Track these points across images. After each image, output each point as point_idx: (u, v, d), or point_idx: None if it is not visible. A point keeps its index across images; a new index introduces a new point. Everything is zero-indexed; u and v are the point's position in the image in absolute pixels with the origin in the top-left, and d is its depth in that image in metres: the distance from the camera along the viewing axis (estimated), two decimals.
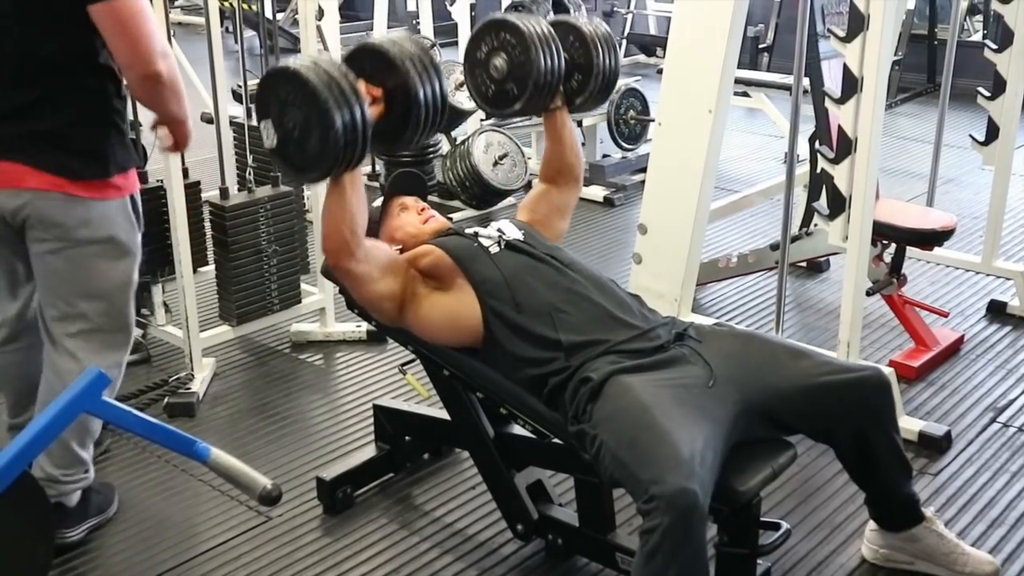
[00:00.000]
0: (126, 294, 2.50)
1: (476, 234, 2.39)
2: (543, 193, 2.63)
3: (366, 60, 2.13)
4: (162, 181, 3.22)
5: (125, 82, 2.34)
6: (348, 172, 2.10)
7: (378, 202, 2.56)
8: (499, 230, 2.40)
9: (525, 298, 2.24)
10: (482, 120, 5.32)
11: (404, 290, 2.30)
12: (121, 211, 2.42)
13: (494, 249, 2.34)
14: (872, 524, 2.39)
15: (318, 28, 3.44)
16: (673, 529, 1.77)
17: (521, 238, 2.39)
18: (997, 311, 3.84)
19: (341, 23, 4.40)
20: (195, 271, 3.35)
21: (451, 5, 5.96)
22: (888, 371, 2.86)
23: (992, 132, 3.87)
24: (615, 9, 9.05)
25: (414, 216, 2.53)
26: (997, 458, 2.91)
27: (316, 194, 3.62)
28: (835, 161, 2.94)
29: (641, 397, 1.99)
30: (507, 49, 2.41)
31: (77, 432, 2.45)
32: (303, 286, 3.62)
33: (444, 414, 2.59)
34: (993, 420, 3.11)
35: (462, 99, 4.58)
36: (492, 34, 2.44)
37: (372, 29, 6.76)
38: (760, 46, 7.66)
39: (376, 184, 5.27)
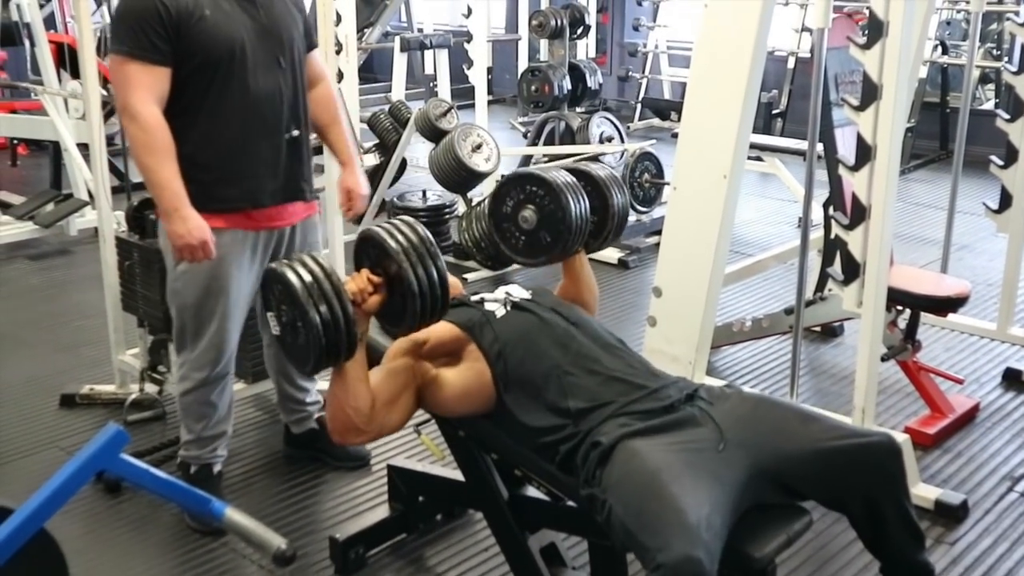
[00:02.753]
0: None
1: (482, 300, 2.41)
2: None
3: (370, 248, 2.20)
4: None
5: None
6: (344, 362, 2.14)
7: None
8: (507, 293, 2.43)
9: (533, 360, 2.25)
10: (498, 182, 5.37)
11: (416, 390, 2.30)
12: None
13: (500, 312, 2.36)
14: None
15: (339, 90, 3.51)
16: None
17: (528, 297, 2.41)
18: (1013, 379, 3.82)
19: (360, 85, 4.48)
20: None
21: (468, 69, 6.06)
22: (903, 438, 2.86)
23: (1005, 200, 3.89)
24: (630, 74, 9.17)
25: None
26: (1015, 528, 2.88)
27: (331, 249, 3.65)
28: (849, 227, 2.96)
29: (649, 462, 1.99)
30: (535, 201, 2.51)
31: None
32: None
33: (458, 475, 2.58)
34: (1010, 489, 3.08)
35: (479, 161, 4.64)
36: (518, 188, 2.54)
37: (391, 91, 6.87)
38: (773, 112, 7.75)
39: None
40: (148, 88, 2.55)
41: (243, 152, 2.68)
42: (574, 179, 2.51)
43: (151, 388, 3.52)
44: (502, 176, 5.61)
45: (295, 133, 2.78)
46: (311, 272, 2.07)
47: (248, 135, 2.68)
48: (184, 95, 2.61)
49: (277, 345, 2.25)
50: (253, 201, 2.73)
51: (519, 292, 2.43)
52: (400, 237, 2.14)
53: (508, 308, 2.37)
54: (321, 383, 3.38)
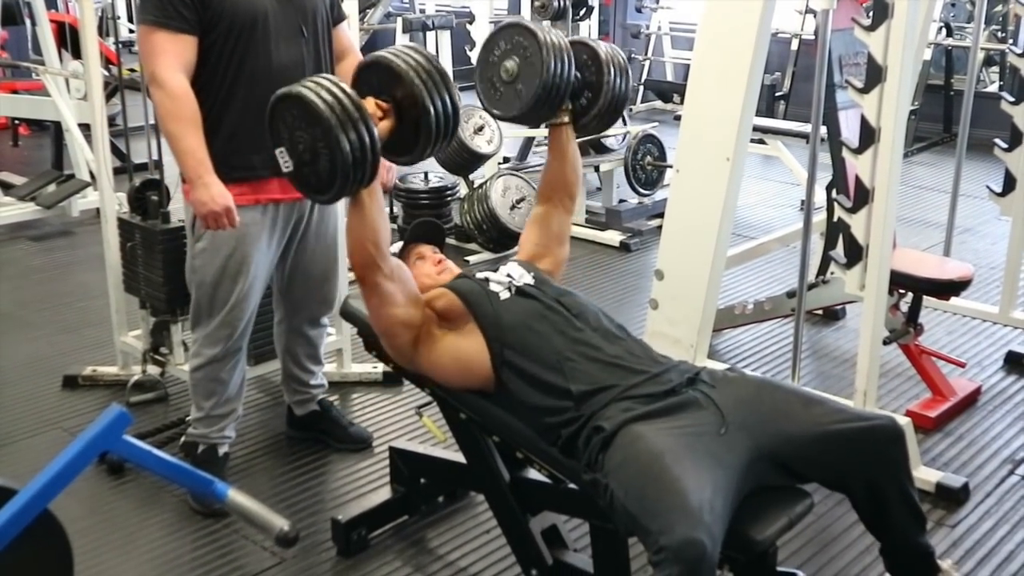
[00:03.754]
0: None
1: (487, 279, 2.41)
2: (541, 220, 2.64)
3: (374, 75, 2.15)
4: (183, 221, 3.26)
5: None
6: (365, 188, 2.13)
7: (395, 247, 2.59)
8: (508, 275, 2.42)
9: (534, 346, 2.26)
10: (500, 164, 5.37)
11: (421, 325, 2.32)
12: None
13: (504, 295, 2.36)
14: None
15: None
16: None
17: (531, 283, 2.41)
18: (1015, 362, 3.82)
19: None
20: None
21: (471, 50, 6.04)
22: (905, 421, 2.86)
23: (1009, 183, 3.89)
24: (633, 55, 9.13)
25: (430, 267, 2.55)
26: (1016, 511, 2.89)
27: None
28: (852, 210, 2.95)
29: (651, 446, 1.99)
30: (519, 52, 2.44)
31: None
32: None
33: (460, 457, 2.59)
34: (1011, 472, 3.09)
35: (481, 143, 4.64)
36: (507, 37, 2.48)
37: None
38: (776, 94, 7.72)
39: (394, 227, 5.30)
40: (175, 56, 2.59)
41: (265, 120, 2.68)
42: (566, 43, 2.45)
43: (153, 370, 3.53)
44: (505, 158, 5.60)
45: None
46: (329, 91, 2.01)
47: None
48: (207, 63, 2.65)
49: (291, 181, 2.20)
50: (276, 169, 2.70)
51: (522, 276, 2.43)
52: (408, 59, 2.10)
53: (512, 292, 2.37)
54: (328, 366, 3.40)
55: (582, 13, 6.61)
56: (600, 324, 2.34)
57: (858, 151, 2.90)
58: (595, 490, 2.07)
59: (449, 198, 5.19)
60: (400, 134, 2.14)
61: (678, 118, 3.60)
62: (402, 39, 6.83)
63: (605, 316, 2.39)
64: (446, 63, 6.66)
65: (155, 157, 3.44)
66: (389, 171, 3.00)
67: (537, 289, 2.38)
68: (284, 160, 2.13)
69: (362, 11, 7.37)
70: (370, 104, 2.11)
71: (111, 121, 5.08)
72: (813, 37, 5.39)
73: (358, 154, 2.01)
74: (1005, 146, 3.85)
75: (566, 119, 2.55)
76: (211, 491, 2.08)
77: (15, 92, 6.77)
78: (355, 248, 2.22)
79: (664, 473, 1.91)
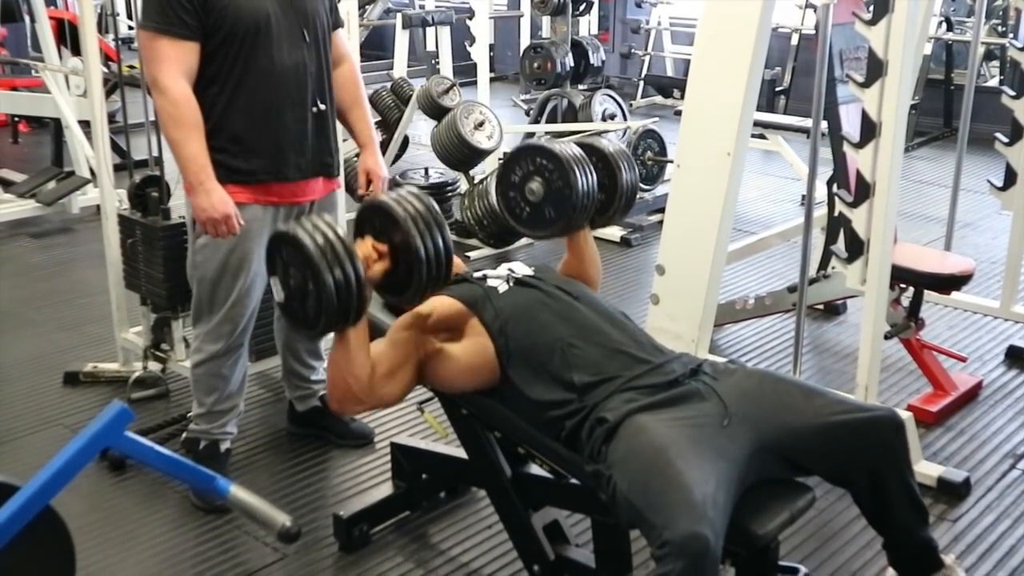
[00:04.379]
0: None
1: (484, 277, 2.42)
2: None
3: (375, 217, 2.21)
4: (184, 218, 3.25)
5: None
6: (351, 327, 2.15)
7: None
8: (509, 269, 2.43)
9: (537, 333, 2.26)
10: (500, 160, 5.36)
11: (418, 364, 2.31)
12: None
13: (502, 288, 2.36)
14: (890, 571, 2.36)
15: None
16: (685, 575, 1.76)
17: (531, 273, 2.41)
18: (1016, 357, 3.82)
19: (363, 62, 4.46)
20: None
21: (470, 46, 6.03)
22: (906, 415, 2.86)
23: (1010, 177, 3.88)
24: (633, 50, 9.13)
25: None
26: (1017, 505, 2.89)
27: None
28: (853, 205, 2.95)
29: (655, 438, 1.99)
30: (542, 173, 2.50)
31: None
32: None
33: (461, 453, 2.59)
34: (1013, 467, 3.09)
35: (481, 139, 4.63)
36: (527, 159, 2.53)
37: (392, 68, 6.84)
38: (777, 89, 7.71)
39: None
40: (177, 62, 2.59)
41: (268, 125, 2.70)
42: (583, 154, 2.50)
43: (154, 366, 3.53)
44: (504, 153, 5.60)
45: (321, 107, 2.80)
46: (323, 234, 2.07)
47: (273, 108, 2.70)
48: (210, 68, 2.65)
49: (280, 311, 2.25)
50: (277, 174, 2.75)
51: (522, 269, 2.44)
52: (407, 206, 2.15)
53: (511, 284, 2.37)
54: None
55: (582, 8, 6.61)
56: (603, 309, 2.34)
57: (859, 145, 2.90)
58: (598, 482, 2.07)
59: (450, 194, 5.19)
60: (394, 275, 2.20)
61: (678, 113, 3.60)
62: (402, 35, 6.84)
63: (608, 303, 2.39)
64: (446, 59, 6.68)
65: (155, 154, 3.44)
66: (381, 180, 3.02)
67: (537, 279, 2.39)
68: (277, 290, 2.19)
69: (362, 7, 7.37)
70: (367, 246, 2.17)
71: (111, 118, 5.08)
72: (813, 32, 5.39)
73: (344, 295, 2.06)
74: (1006, 140, 3.85)
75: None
76: (213, 487, 2.08)
77: (15, 89, 6.77)
78: (335, 380, 2.22)
79: (668, 466, 1.91)
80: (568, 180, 2.44)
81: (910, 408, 3.29)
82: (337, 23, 2.96)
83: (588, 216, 2.54)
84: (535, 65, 6.18)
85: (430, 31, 8.48)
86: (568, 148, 2.48)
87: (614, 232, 5.32)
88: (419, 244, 2.13)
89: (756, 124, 4.98)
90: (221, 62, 2.65)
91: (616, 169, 2.57)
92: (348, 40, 3.14)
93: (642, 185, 5.57)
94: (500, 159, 5.37)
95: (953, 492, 2.92)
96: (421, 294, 2.21)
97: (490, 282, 2.39)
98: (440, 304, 2.35)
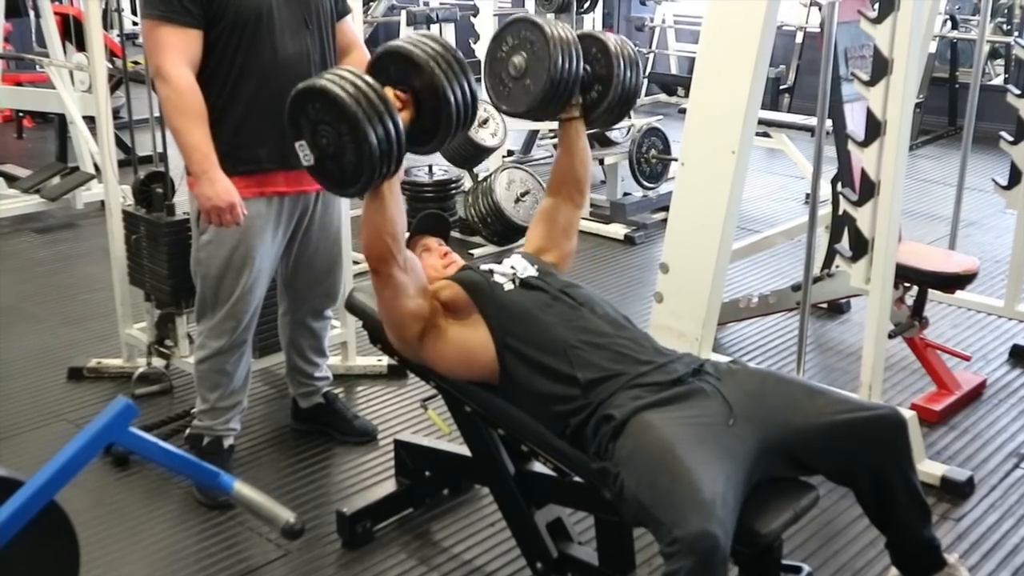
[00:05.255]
0: None
1: (491, 271, 2.42)
2: (549, 213, 2.65)
3: (391, 65, 2.13)
4: (188, 214, 3.26)
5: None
6: (386, 180, 2.13)
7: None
8: (512, 267, 2.43)
9: (540, 335, 2.26)
10: (504, 157, 5.36)
11: (429, 316, 2.33)
12: None
13: (508, 287, 2.36)
14: (894, 571, 2.36)
15: None
16: (695, 573, 1.76)
17: (535, 275, 2.41)
18: (1020, 356, 3.82)
19: None
20: None
21: (475, 43, 6.03)
22: (910, 414, 2.86)
23: (1015, 176, 3.87)
24: (637, 48, 9.10)
25: (436, 259, 2.55)
26: (1021, 504, 2.89)
27: None
28: (858, 203, 2.95)
29: (663, 436, 1.99)
30: (527, 47, 2.43)
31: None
32: None
33: (465, 450, 2.59)
34: (1016, 466, 3.09)
35: (485, 136, 4.63)
36: (514, 32, 2.46)
37: None
38: (781, 87, 7.70)
39: None
40: (180, 51, 2.59)
41: (272, 113, 2.68)
42: (574, 37, 2.44)
43: (158, 362, 3.53)
44: (509, 151, 5.59)
45: None
46: (353, 84, 2.00)
47: (276, 96, 2.67)
48: (213, 57, 2.65)
49: (312, 175, 2.17)
50: (282, 162, 2.73)
51: (525, 268, 2.43)
52: (427, 48, 2.10)
53: (516, 284, 2.37)
54: (333, 359, 3.40)
55: (586, 6, 6.59)
56: (606, 313, 2.34)
57: (864, 144, 2.90)
58: (604, 479, 2.07)
59: (453, 191, 5.19)
60: (419, 124, 2.13)
61: (683, 111, 3.59)
62: (406, 32, 6.83)
63: (611, 307, 2.39)
64: None
65: (159, 149, 3.44)
66: None
67: (541, 280, 2.39)
68: (304, 153, 2.11)
69: (366, 4, 7.36)
70: (389, 95, 2.09)
71: (115, 113, 5.09)
72: (818, 30, 5.39)
73: (385, 147, 2.00)
74: (1011, 139, 3.84)
75: (576, 113, 2.55)
76: (217, 483, 2.08)
77: (19, 84, 6.77)
78: (372, 240, 2.21)
79: (676, 464, 1.91)
80: (549, 52, 2.37)
81: (914, 407, 3.29)
82: (345, 10, 2.94)
83: (567, 96, 2.47)
84: None
85: (435, 28, 8.47)
86: (558, 27, 2.42)
87: (618, 230, 5.32)
88: (445, 86, 2.07)
89: (760, 122, 4.98)
90: (224, 51, 2.66)
91: (615, 62, 2.49)
92: (358, 28, 3.13)
93: (646, 183, 5.57)
94: (504, 157, 5.37)
95: (956, 491, 2.92)
96: (450, 139, 2.17)
97: (496, 278, 2.39)
98: (448, 287, 2.38)
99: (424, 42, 2.13)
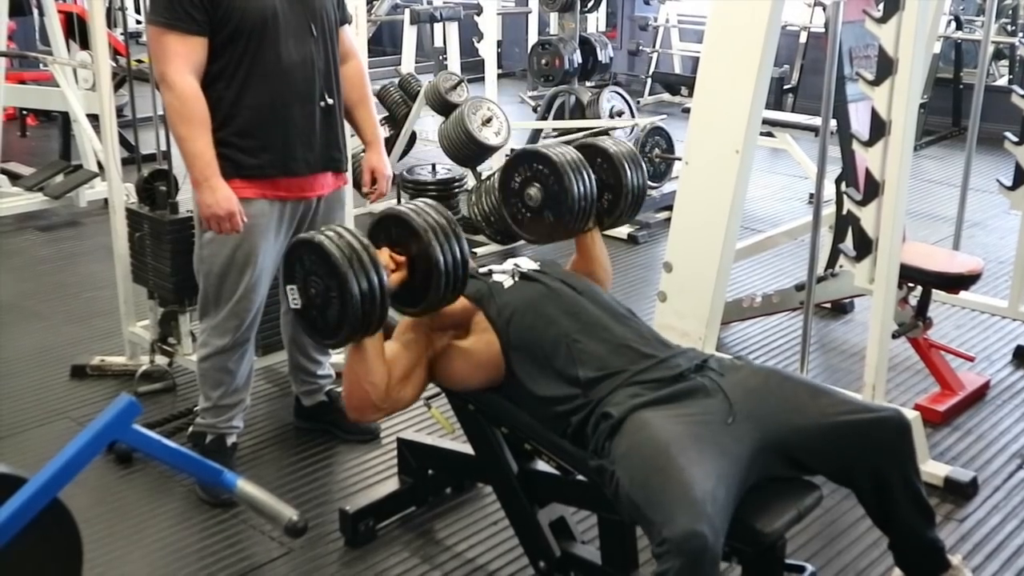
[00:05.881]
0: None
1: (490, 272, 2.42)
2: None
3: (393, 227, 2.21)
4: (191, 212, 3.26)
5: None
6: (369, 336, 2.16)
7: None
8: (515, 264, 2.43)
9: (541, 328, 2.26)
10: (508, 156, 5.35)
11: (428, 363, 2.33)
12: None
13: (508, 283, 2.37)
14: (897, 572, 2.36)
15: None
16: (684, 573, 1.77)
17: (536, 268, 2.41)
18: (1023, 357, 3.81)
19: (370, 58, 4.46)
20: None
21: (478, 42, 6.03)
22: (913, 415, 2.86)
23: (1019, 177, 3.86)
24: (641, 47, 9.11)
25: None
26: None
27: None
28: (862, 203, 2.94)
29: (658, 434, 1.99)
30: (540, 179, 2.50)
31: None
32: None
33: (468, 449, 2.59)
34: (1020, 467, 3.08)
35: (489, 135, 4.63)
36: (524, 165, 2.54)
37: (400, 64, 6.84)
38: (785, 87, 7.69)
39: None
40: (184, 58, 2.59)
41: (276, 119, 2.70)
42: (580, 157, 2.49)
43: (161, 360, 3.53)
44: (512, 150, 5.59)
45: (329, 102, 2.80)
46: (348, 243, 2.07)
47: (281, 102, 2.70)
48: (218, 63, 2.65)
49: (295, 319, 2.25)
50: (285, 169, 2.74)
51: (527, 264, 2.44)
52: (427, 217, 2.16)
53: (516, 279, 2.37)
54: (335, 356, 3.40)
55: (590, 5, 6.59)
56: (608, 304, 2.34)
57: (868, 144, 2.90)
58: (601, 477, 2.07)
59: (457, 190, 5.18)
60: (410, 285, 2.20)
61: (686, 111, 3.59)
62: (410, 30, 6.84)
63: (612, 298, 2.39)
64: (453, 55, 6.67)
65: (163, 148, 3.43)
66: (386, 178, 3.04)
67: (542, 273, 2.39)
68: (293, 297, 2.18)
69: (369, 2, 7.36)
70: (384, 255, 2.17)
71: (119, 112, 5.08)
72: (822, 30, 5.38)
73: (368, 305, 2.07)
74: (1015, 139, 3.83)
75: (591, 225, 2.59)
76: (220, 481, 2.08)
77: (23, 82, 6.77)
78: (353, 390, 2.23)
79: (669, 463, 1.91)
80: (563, 184, 2.44)
81: (917, 407, 3.28)
82: (345, 19, 2.95)
83: (586, 220, 2.54)
84: (543, 61, 6.17)
85: (438, 27, 8.47)
86: (565, 152, 2.48)
87: (621, 229, 5.31)
88: (439, 256, 2.13)
89: (764, 122, 4.98)
90: (228, 57, 2.66)
91: (621, 170, 2.56)
92: (356, 37, 3.14)
93: (650, 183, 5.55)
94: (507, 155, 5.37)
95: (960, 492, 2.91)
96: (437, 304, 2.22)
97: (495, 277, 2.39)
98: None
99: (425, 210, 2.20)
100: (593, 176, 2.51)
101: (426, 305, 2.22)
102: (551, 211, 2.51)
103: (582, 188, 2.46)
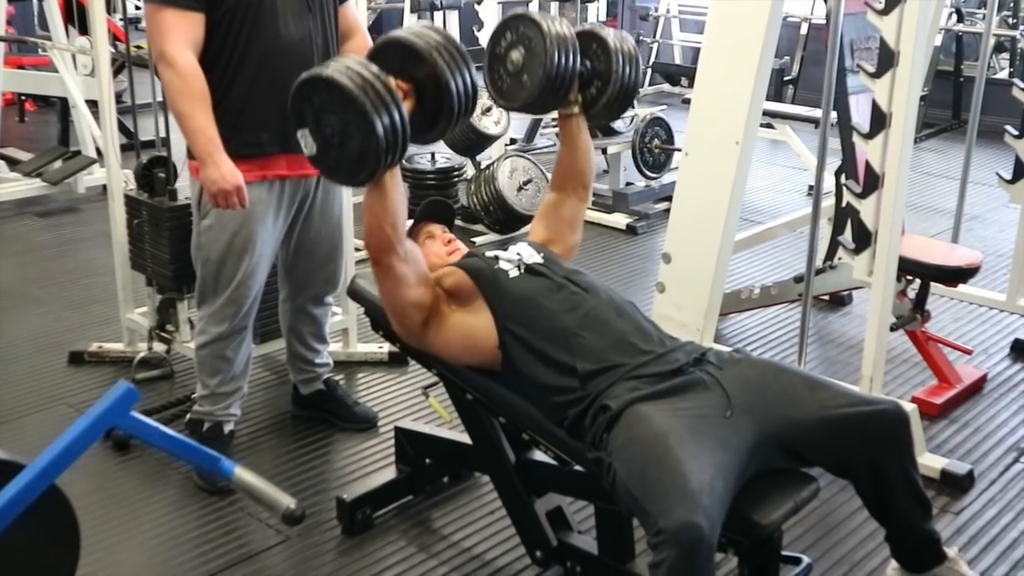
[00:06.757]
0: None
1: (496, 258, 2.42)
2: (554, 206, 2.64)
3: (393, 55, 2.13)
4: (190, 199, 3.25)
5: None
6: (389, 170, 2.13)
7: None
8: (518, 254, 2.43)
9: (542, 322, 2.26)
10: (507, 146, 5.35)
11: (431, 304, 2.33)
12: None
13: (513, 273, 2.36)
14: (893, 563, 2.36)
15: None
16: (679, 564, 1.77)
17: (540, 261, 2.41)
18: (1021, 350, 3.81)
19: None
20: None
21: (479, 31, 6.01)
22: (910, 407, 2.86)
23: (1019, 170, 3.87)
24: (641, 38, 9.08)
25: (440, 246, 2.55)
26: (1021, 498, 2.89)
27: None
28: (862, 196, 2.94)
29: (655, 427, 1.99)
30: (525, 43, 2.43)
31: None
32: None
33: (466, 438, 2.59)
34: (1016, 460, 3.09)
35: (488, 124, 4.62)
36: (513, 28, 2.47)
37: None
38: (785, 78, 7.68)
39: None
40: (183, 34, 2.59)
41: (274, 97, 2.67)
42: (571, 34, 2.43)
43: (159, 347, 3.53)
44: (511, 140, 5.58)
45: None
46: (359, 73, 2.00)
47: (279, 80, 2.67)
48: (215, 40, 2.64)
49: (313, 164, 2.17)
50: (284, 145, 2.72)
51: (531, 255, 2.43)
52: (428, 39, 2.10)
53: (521, 270, 2.37)
54: (333, 345, 3.40)
55: None
56: (610, 299, 2.34)
57: (868, 136, 2.89)
58: (598, 469, 2.07)
59: (456, 179, 5.18)
60: (420, 113, 2.13)
61: (686, 101, 3.58)
62: (410, 19, 6.82)
63: (615, 293, 2.39)
64: None
65: (162, 134, 3.43)
66: None
67: (546, 267, 2.39)
68: (306, 142, 2.10)
69: None
70: (394, 85, 2.09)
71: (118, 98, 5.07)
72: (823, 21, 5.37)
73: (391, 137, 2.00)
74: (1016, 133, 3.83)
75: (576, 109, 2.54)
76: (218, 468, 2.08)
77: (22, 68, 6.75)
78: (373, 230, 2.20)
79: (666, 455, 1.91)
80: (546, 49, 2.37)
81: (914, 400, 3.29)
82: None
83: (563, 92, 2.47)
84: None
85: (438, 15, 8.44)
86: (557, 24, 2.41)
87: (620, 220, 5.32)
88: (448, 76, 2.07)
89: (764, 113, 4.97)
90: (226, 34, 2.65)
91: (614, 59, 2.48)
92: (359, 13, 3.12)
93: (649, 174, 5.56)
94: (507, 145, 5.36)
95: (956, 485, 2.92)
96: (451, 129, 2.18)
97: (501, 264, 2.39)
98: (452, 274, 2.38)
99: (426, 33, 2.13)
100: (579, 52, 2.43)
101: (440, 130, 2.15)
102: (529, 77, 2.43)
103: (563, 59, 2.38)
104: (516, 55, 2.45)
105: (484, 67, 2.55)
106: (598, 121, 2.67)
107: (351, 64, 2.03)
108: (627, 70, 2.50)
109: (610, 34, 2.53)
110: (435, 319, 2.34)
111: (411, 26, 2.16)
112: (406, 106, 2.08)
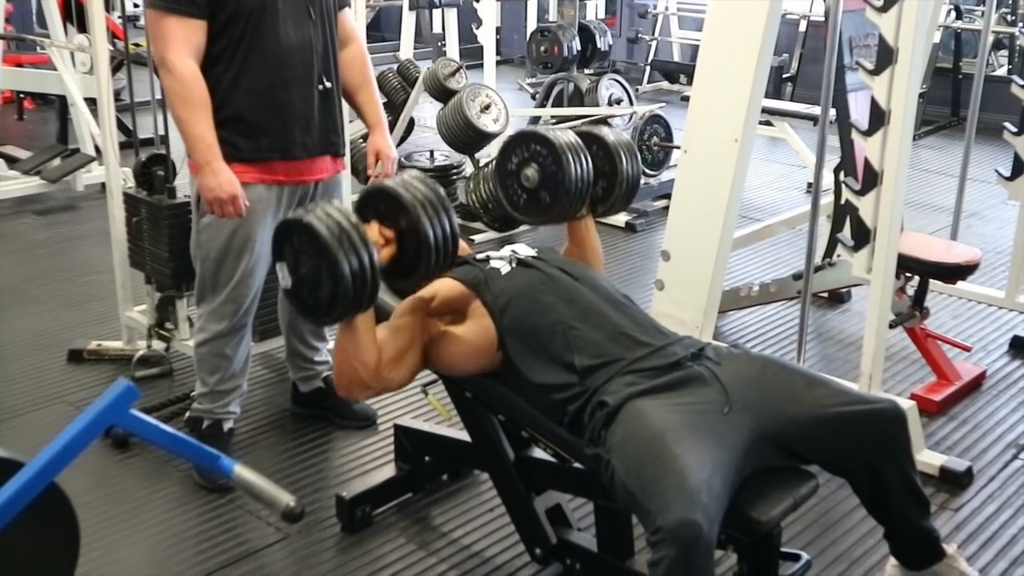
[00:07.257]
0: None
1: (487, 258, 2.42)
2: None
3: (380, 202, 2.20)
4: (189, 197, 3.25)
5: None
6: (360, 314, 2.15)
7: None
8: (512, 251, 2.43)
9: (538, 315, 2.26)
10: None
11: (423, 348, 2.33)
12: None
13: (505, 269, 2.37)
14: (892, 560, 2.37)
15: None
16: (678, 562, 1.77)
17: (533, 254, 2.41)
18: (1020, 347, 3.82)
19: (368, 44, 4.45)
20: None
21: (477, 28, 6.01)
22: (909, 404, 2.87)
23: (1018, 167, 3.86)
24: (640, 35, 9.09)
25: None
26: (1019, 495, 2.89)
27: None
28: (861, 193, 2.94)
29: (653, 423, 1.99)
30: (538, 160, 2.49)
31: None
32: None
33: (465, 435, 2.59)
34: (1015, 456, 3.09)
35: (487, 122, 4.62)
36: (522, 146, 2.52)
37: (399, 50, 6.82)
38: (783, 76, 7.68)
39: None
40: (184, 41, 2.59)
41: (274, 103, 2.70)
42: (579, 141, 2.49)
43: (158, 345, 3.53)
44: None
45: (327, 85, 2.80)
46: (337, 222, 2.06)
47: (279, 86, 2.70)
48: (216, 46, 2.65)
49: (286, 298, 2.25)
50: (284, 152, 2.74)
51: (525, 251, 2.44)
52: (415, 191, 2.15)
53: (513, 265, 2.37)
54: (332, 343, 3.39)
55: None
56: (606, 291, 2.34)
57: (867, 133, 2.89)
58: (597, 465, 2.07)
59: (455, 177, 5.18)
60: (400, 260, 2.19)
61: (685, 99, 3.58)
62: (408, 16, 6.81)
63: (610, 285, 2.39)
64: (452, 41, 6.65)
65: (161, 132, 3.42)
66: (391, 160, 3.02)
67: (539, 260, 2.39)
68: (283, 275, 2.17)
69: None
70: (374, 230, 2.15)
71: (116, 96, 5.06)
72: (822, 18, 5.38)
73: (360, 288, 2.06)
74: (1015, 130, 3.83)
75: (584, 211, 2.58)
76: (217, 466, 2.08)
77: (20, 65, 6.75)
78: (343, 369, 2.23)
79: (664, 452, 1.91)
80: (561, 164, 2.43)
81: (913, 397, 3.29)
82: (344, 2, 2.95)
83: (582, 202, 2.53)
84: (542, 49, 6.15)
85: (437, 13, 8.44)
86: (563, 135, 2.48)
87: (619, 217, 5.31)
88: (428, 230, 2.12)
89: (763, 111, 4.97)
90: (227, 40, 2.65)
91: (616, 158, 2.56)
92: (356, 21, 3.13)
93: (648, 171, 5.55)
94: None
95: (955, 481, 2.92)
96: (427, 278, 2.22)
97: (492, 263, 2.39)
98: (443, 287, 2.36)
99: (413, 184, 2.18)
100: (589, 160, 2.50)
101: (417, 279, 2.21)
102: (548, 192, 2.49)
103: (579, 170, 2.46)
104: (531, 172, 2.51)
105: (495, 182, 2.64)
106: (605, 216, 2.73)
107: (332, 212, 2.09)
108: (630, 167, 2.59)
109: (607, 133, 2.60)
110: (432, 347, 2.34)
111: (402, 176, 2.22)
112: (386, 252, 2.16)
